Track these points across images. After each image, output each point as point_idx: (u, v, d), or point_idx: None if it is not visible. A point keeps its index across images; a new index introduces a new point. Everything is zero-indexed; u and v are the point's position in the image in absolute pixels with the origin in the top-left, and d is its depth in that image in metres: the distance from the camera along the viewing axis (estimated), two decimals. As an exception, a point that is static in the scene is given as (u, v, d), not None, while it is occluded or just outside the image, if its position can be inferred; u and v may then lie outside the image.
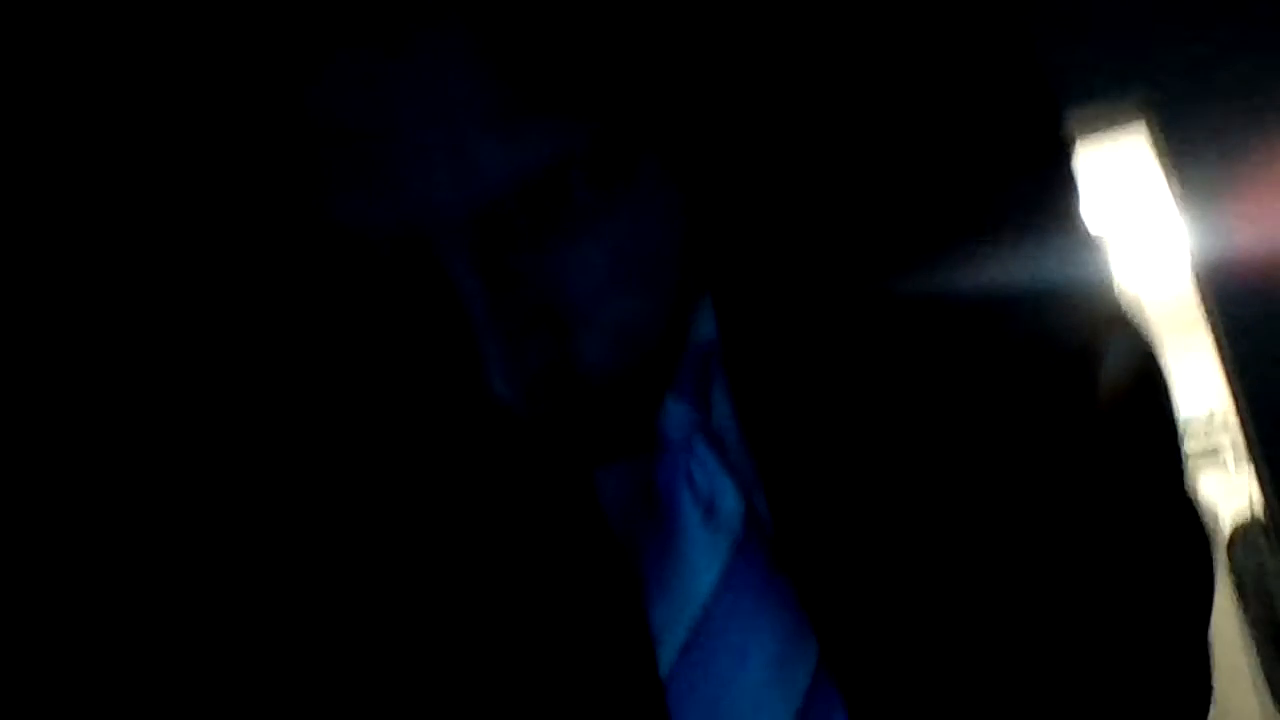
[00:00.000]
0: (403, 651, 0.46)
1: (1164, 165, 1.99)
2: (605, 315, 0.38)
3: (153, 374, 0.48)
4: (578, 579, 0.45)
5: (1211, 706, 0.46)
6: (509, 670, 0.45)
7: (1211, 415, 3.76)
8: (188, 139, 0.42)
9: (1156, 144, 2.00)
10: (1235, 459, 3.70)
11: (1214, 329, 1.91)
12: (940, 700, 0.42)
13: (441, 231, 0.35)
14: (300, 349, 0.47)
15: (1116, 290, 0.48)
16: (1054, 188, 0.47)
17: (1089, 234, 0.47)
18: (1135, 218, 2.95)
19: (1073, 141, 0.49)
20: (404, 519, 0.46)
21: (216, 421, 0.47)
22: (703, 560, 0.43)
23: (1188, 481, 0.48)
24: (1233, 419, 2.06)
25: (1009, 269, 0.44)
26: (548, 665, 0.44)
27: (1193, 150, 1.94)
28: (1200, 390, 3.26)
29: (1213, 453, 3.79)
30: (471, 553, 0.46)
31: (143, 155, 0.47)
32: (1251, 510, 3.41)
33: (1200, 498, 0.49)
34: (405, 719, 0.45)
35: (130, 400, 0.48)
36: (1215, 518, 3.42)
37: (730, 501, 0.44)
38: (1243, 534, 3.43)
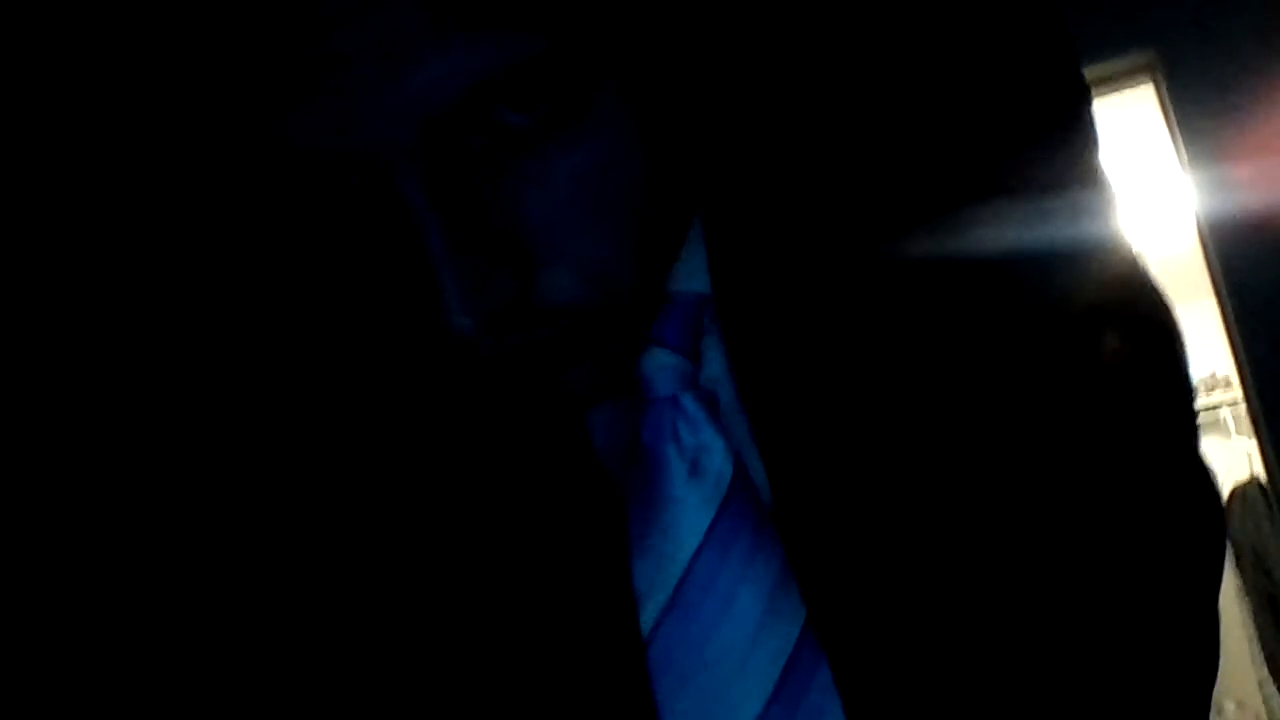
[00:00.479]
0: (373, 601, 0.45)
1: (1170, 124, 1.97)
2: (569, 248, 0.37)
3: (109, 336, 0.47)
4: (561, 530, 0.44)
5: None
6: (481, 624, 0.44)
7: (1213, 377, 3.77)
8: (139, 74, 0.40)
9: (1163, 102, 1.99)
10: (1235, 422, 3.72)
11: (1218, 290, 1.90)
12: (932, 666, 0.41)
13: (391, 153, 0.34)
14: (260, 281, 0.46)
15: (1131, 246, 0.47)
16: (1072, 138, 0.46)
17: (1107, 188, 0.46)
18: (1141, 176, 2.94)
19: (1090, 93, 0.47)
20: (365, 455, 0.46)
21: (179, 361, 0.47)
22: (687, 519, 0.42)
23: (1199, 442, 0.47)
24: (1234, 381, 2.06)
25: (1023, 223, 0.43)
26: (524, 618, 0.44)
27: (1200, 109, 1.92)
28: (1201, 352, 3.26)
29: (1212, 416, 3.81)
30: (442, 500, 0.45)
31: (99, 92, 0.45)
32: (1251, 474, 3.43)
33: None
34: (379, 663, 0.45)
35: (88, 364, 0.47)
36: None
37: (718, 459, 0.43)
38: (1241, 498, 3.45)
